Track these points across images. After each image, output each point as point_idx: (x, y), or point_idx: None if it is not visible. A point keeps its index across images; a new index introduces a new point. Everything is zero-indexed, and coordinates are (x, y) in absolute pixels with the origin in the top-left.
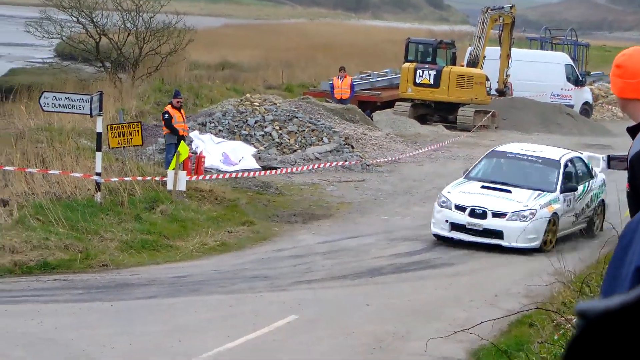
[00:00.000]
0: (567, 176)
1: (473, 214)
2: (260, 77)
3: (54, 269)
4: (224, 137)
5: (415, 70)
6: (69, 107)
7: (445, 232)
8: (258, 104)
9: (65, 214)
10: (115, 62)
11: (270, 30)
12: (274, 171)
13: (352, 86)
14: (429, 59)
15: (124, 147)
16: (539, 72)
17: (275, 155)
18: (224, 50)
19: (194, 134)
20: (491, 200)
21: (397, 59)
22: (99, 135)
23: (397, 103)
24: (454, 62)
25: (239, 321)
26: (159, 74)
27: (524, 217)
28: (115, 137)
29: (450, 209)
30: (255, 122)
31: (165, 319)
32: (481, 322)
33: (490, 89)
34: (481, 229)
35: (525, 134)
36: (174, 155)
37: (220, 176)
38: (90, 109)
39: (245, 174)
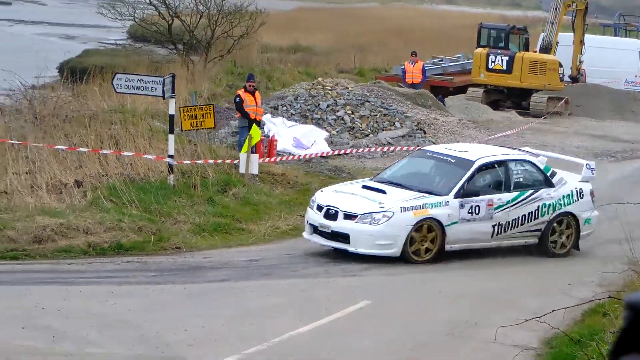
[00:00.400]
0: (481, 180)
1: (327, 214)
2: (332, 61)
3: (128, 250)
4: (296, 121)
5: (488, 55)
6: (142, 89)
7: (307, 235)
8: (330, 88)
9: (139, 196)
10: (188, 45)
11: (343, 14)
12: (344, 151)
13: (423, 71)
14: (502, 45)
15: (196, 129)
16: (612, 58)
17: (347, 140)
18: (296, 34)
19: (266, 117)
20: (349, 201)
21: (470, 44)
22: (172, 117)
23: (469, 88)
24: (526, 48)
25: (311, 306)
26: (231, 57)
27: (375, 220)
28: (188, 120)
29: (313, 210)
30: (327, 106)
31: (238, 303)
32: (552, 311)
33: (564, 75)
34: (329, 231)
35: (599, 121)
36: (246, 138)
37: (292, 157)
38: (163, 91)
39: (318, 156)
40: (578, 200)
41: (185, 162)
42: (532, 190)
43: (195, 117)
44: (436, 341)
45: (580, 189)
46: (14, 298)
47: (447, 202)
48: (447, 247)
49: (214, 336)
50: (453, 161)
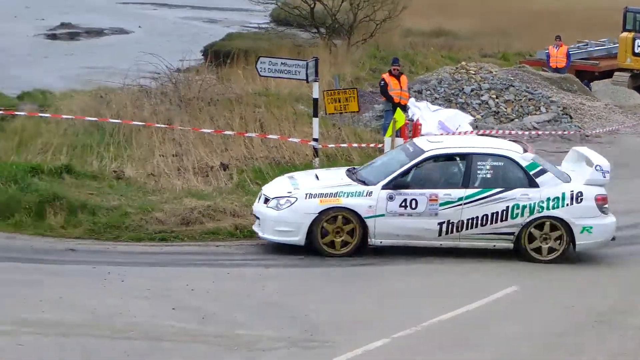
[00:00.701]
0: (429, 172)
1: (259, 198)
2: (475, 45)
3: None
4: (440, 105)
5: (634, 40)
6: (285, 72)
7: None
8: (474, 72)
9: None
10: (330, 28)
11: None
12: (489, 131)
13: (568, 55)
14: None
15: (340, 113)
16: None
17: (492, 124)
18: (439, 18)
19: (410, 101)
20: (278, 184)
21: (615, 29)
22: (316, 101)
23: (615, 73)
24: None
25: (458, 290)
26: (374, 41)
27: (280, 205)
28: (332, 103)
29: None
30: (472, 91)
31: (385, 286)
32: None
33: None
34: (252, 213)
35: None
36: (390, 122)
37: None
38: (306, 75)
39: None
40: (572, 204)
41: (329, 145)
42: (501, 189)
43: (339, 101)
44: (584, 328)
45: (580, 192)
46: (164, 279)
47: (371, 192)
48: (375, 242)
49: (362, 319)
50: (411, 150)
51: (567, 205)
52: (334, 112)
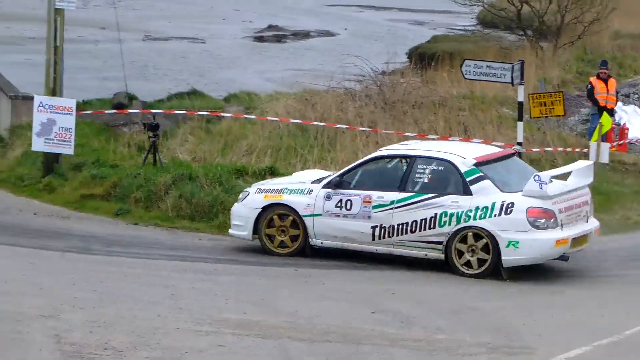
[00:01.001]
0: (371, 173)
1: None
2: None
3: None
4: None
5: None
6: (490, 75)
7: None
8: None
9: None
10: (537, 31)
11: None
12: None
13: None
14: None
15: (545, 117)
16: None
17: None
18: None
19: (617, 106)
20: (265, 181)
21: None
22: (520, 104)
23: None
24: None
25: None
26: (582, 43)
27: (239, 199)
28: (537, 107)
29: None
30: None
31: (582, 294)
32: None
33: None
34: None
35: None
36: (596, 126)
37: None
38: (512, 78)
39: None
40: (500, 215)
41: (534, 149)
42: (432, 194)
43: (545, 104)
44: None
45: (511, 203)
46: (364, 283)
47: (311, 190)
48: (317, 242)
49: (563, 326)
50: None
51: (495, 216)
52: (539, 116)
